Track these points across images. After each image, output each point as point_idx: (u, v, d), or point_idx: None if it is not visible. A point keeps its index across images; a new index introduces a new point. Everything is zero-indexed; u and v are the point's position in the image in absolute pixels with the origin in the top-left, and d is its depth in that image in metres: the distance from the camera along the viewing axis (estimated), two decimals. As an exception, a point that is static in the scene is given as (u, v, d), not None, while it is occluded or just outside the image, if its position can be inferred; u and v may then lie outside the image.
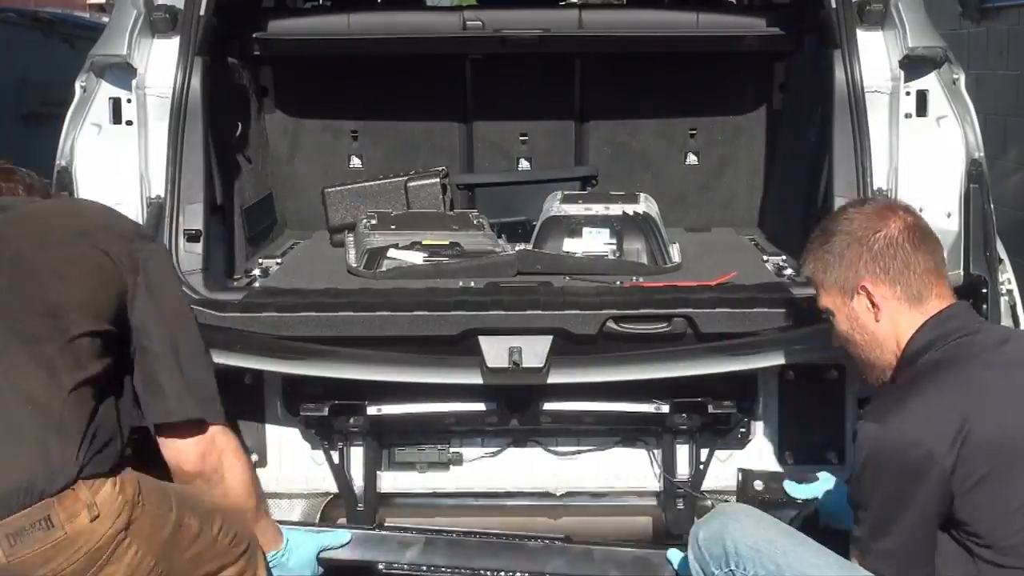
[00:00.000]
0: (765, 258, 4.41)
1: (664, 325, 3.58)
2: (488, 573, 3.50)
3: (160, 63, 3.95)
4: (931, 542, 2.80)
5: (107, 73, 3.97)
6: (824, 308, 3.11)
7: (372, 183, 4.93)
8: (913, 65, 3.92)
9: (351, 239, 4.50)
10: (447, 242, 4.26)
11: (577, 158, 5.20)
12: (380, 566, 3.52)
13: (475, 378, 3.60)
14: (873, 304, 3.00)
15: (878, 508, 2.80)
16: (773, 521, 3.08)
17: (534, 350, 3.55)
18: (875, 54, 3.94)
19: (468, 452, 3.93)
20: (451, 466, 3.92)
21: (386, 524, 3.79)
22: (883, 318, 2.99)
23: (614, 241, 4.27)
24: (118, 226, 3.09)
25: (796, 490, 3.62)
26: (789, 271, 4.19)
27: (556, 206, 4.42)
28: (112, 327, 2.89)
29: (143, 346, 2.96)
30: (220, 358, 3.63)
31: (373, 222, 4.42)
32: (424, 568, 3.50)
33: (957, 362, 2.87)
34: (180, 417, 2.99)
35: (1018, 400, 2.80)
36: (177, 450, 3.03)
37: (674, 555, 3.42)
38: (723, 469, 3.90)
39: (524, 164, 5.22)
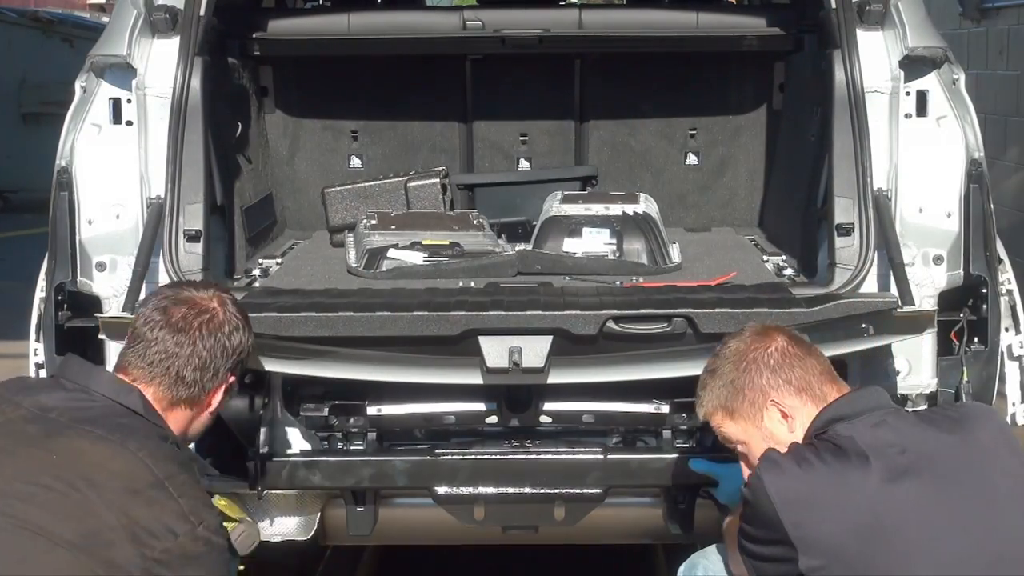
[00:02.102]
0: (765, 258, 4.41)
1: (664, 325, 3.58)
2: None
3: (160, 63, 3.95)
4: None
5: (107, 73, 3.97)
6: (737, 441, 3.09)
7: (372, 183, 4.93)
8: (913, 65, 3.92)
9: (351, 239, 4.50)
10: (447, 242, 4.26)
11: (577, 158, 5.20)
12: None
13: (475, 378, 3.60)
14: (784, 416, 3.00)
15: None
16: None
17: (534, 350, 3.55)
18: (875, 54, 3.94)
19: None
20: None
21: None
22: (796, 427, 2.98)
23: (614, 241, 4.27)
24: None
25: (697, 465, 3.66)
26: (789, 271, 4.19)
27: (556, 206, 4.42)
28: None
29: None
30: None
31: (373, 222, 4.42)
32: None
33: (841, 451, 2.85)
34: None
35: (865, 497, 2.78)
36: None
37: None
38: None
39: (524, 164, 5.22)
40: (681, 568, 3.39)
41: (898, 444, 2.83)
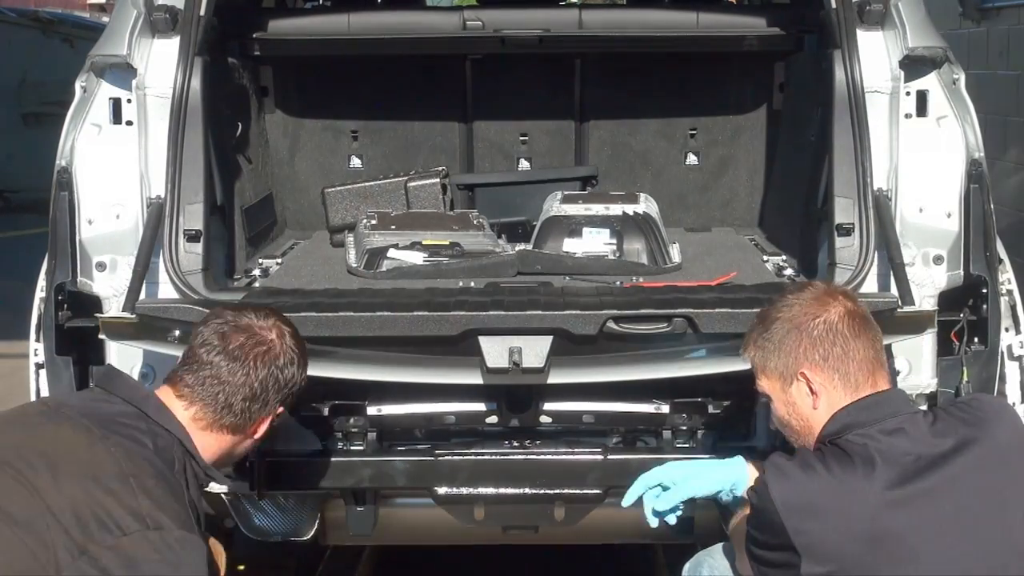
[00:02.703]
0: (765, 258, 4.41)
1: (664, 325, 3.57)
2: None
3: (160, 63, 3.95)
4: None
5: (107, 73, 3.97)
6: (763, 393, 3.09)
7: (372, 183, 4.93)
8: (913, 65, 3.92)
9: (351, 239, 4.50)
10: (447, 242, 4.26)
11: (577, 158, 5.20)
12: None
13: (475, 378, 3.60)
14: (812, 391, 2.97)
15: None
16: None
17: (534, 350, 3.55)
18: (875, 54, 3.94)
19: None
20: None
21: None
22: (820, 405, 2.96)
23: (614, 241, 4.27)
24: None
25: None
26: (789, 271, 4.19)
27: (556, 206, 4.42)
28: None
29: None
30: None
31: (373, 222, 4.42)
32: None
33: (848, 459, 2.84)
34: None
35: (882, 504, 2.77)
36: None
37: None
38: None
39: (524, 164, 5.22)
40: (686, 567, 3.38)
41: (913, 452, 2.81)
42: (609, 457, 3.78)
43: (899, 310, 3.56)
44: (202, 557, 2.78)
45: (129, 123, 3.94)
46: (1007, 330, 3.97)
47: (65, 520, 2.65)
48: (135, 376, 3.73)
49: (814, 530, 2.75)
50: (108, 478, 2.71)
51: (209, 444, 3.00)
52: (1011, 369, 3.98)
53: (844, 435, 2.88)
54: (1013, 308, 3.98)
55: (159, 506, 2.71)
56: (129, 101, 3.94)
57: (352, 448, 3.87)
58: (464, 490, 3.77)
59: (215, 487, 3.58)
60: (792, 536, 2.75)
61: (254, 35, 4.75)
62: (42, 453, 2.74)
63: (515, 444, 3.87)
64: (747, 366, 3.56)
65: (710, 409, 3.83)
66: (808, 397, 2.97)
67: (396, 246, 4.24)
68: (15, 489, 2.69)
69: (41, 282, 4.00)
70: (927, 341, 3.83)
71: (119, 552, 2.64)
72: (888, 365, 3.21)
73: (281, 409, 3.10)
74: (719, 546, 3.36)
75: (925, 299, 3.80)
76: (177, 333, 3.50)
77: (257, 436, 3.08)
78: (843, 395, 2.94)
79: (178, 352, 3.65)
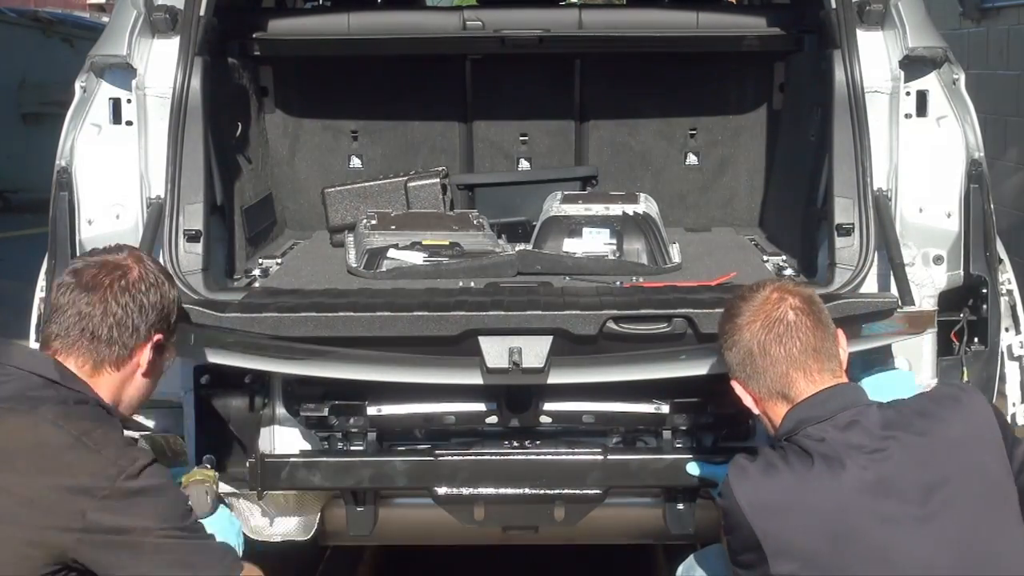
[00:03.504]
0: (765, 258, 4.41)
1: (664, 325, 3.58)
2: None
3: (160, 63, 3.95)
4: None
5: (107, 73, 3.97)
6: None
7: (372, 183, 4.93)
8: (913, 65, 3.92)
9: (351, 239, 4.50)
10: (447, 242, 4.26)
11: (577, 158, 5.20)
12: None
13: (475, 378, 3.60)
14: (744, 402, 3.09)
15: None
16: None
17: (534, 350, 3.55)
18: (875, 54, 3.94)
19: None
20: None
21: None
22: (764, 409, 3.06)
23: (614, 241, 4.27)
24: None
25: (695, 468, 3.66)
26: (789, 271, 4.19)
27: (556, 206, 4.42)
28: None
29: None
30: (220, 358, 3.63)
31: (373, 222, 4.42)
32: None
33: (805, 456, 2.88)
34: None
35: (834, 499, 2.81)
36: None
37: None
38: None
39: (524, 164, 5.22)
40: (680, 569, 3.39)
41: (868, 445, 2.84)
42: (609, 457, 3.77)
43: (899, 310, 3.56)
44: (168, 472, 2.94)
45: (129, 123, 3.94)
46: (1007, 330, 3.97)
47: (44, 507, 2.69)
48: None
49: (781, 529, 2.79)
50: (63, 451, 2.75)
51: (102, 388, 2.97)
52: (1011, 369, 3.98)
53: (799, 432, 2.91)
54: (1013, 308, 3.98)
55: (115, 448, 2.79)
56: (129, 101, 3.94)
57: (352, 448, 3.87)
58: (464, 490, 3.77)
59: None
60: (759, 536, 2.78)
61: (254, 35, 4.75)
62: None
63: (515, 444, 3.87)
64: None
65: (710, 409, 3.83)
66: (752, 403, 3.07)
67: (396, 246, 4.24)
68: None
69: (41, 282, 4.00)
70: (927, 341, 3.83)
71: (115, 501, 2.72)
72: (887, 365, 3.21)
73: (159, 336, 3.04)
74: (713, 547, 3.39)
75: (925, 299, 3.80)
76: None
77: (143, 369, 3.02)
78: (773, 404, 3.01)
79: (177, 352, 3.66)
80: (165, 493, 2.84)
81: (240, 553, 3.10)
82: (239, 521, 3.45)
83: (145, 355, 3.01)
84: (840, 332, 3.11)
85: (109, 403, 2.97)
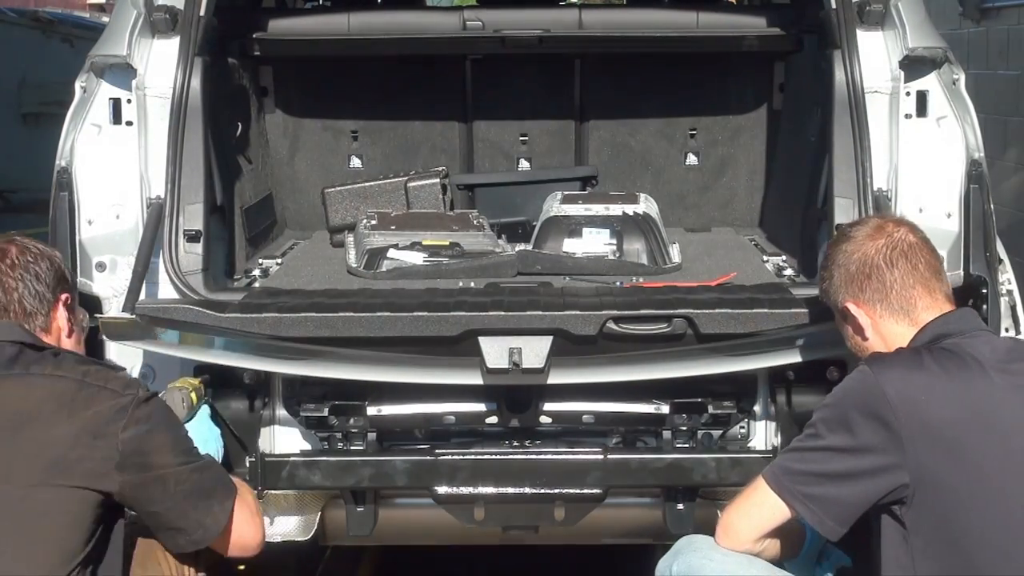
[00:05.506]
0: (765, 258, 4.41)
1: (664, 326, 3.58)
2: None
3: (160, 63, 3.95)
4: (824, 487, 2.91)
5: (107, 73, 3.97)
6: (837, 324, 3.27)
7: (372, 183, 4.93)
8: (913, 65, 3.92)
9: (351, 239, 4.50)
10: (447, 242, 4.26)
11: (577, 158, 5.20)
12: None
13: (475, 379, 3.61)
14: (859, 322, 3.12)
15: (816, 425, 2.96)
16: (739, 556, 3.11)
17: (534, 351, 3.55)
18: (875, 54, 3.94)
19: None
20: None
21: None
22: (871, 335, 3.12)
23: (614, 241, 4.27)
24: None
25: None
26: (789, 271, 4.19)
27: (556, 206, 4.42)
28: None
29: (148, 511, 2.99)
30: (220, 358, 3.64)
31: (373, 222, 4.42)
32: None
33: (956, 357, 2.95)
34: (211, 540, 3.05)
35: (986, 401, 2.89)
36: (229, 548, 3.11)
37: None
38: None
39: (524, 164, 5.22)
40: (659, 564, 3.29)
41: (1007, 360, 2.94)
42: (609, 457, 3.78)
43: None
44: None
45: (129, 123, 3.94)
46: (1007, 330, 3.96)
47: (77, 455, 2.85)
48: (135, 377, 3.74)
49: (926, 416, 2.83)
50: (76, 394, 2.91)
51: None
52: (1011, 369, 3.98)
53: (939, 343, 2.97)
54: (1013, 308, 3.97)
55: (114, 376, 2.98)
56: (129, 101, 3.94)
57: (352, 448, 3.87)
58: (464, 490, 3.78)
59: None
60: (900, 423, 2.82)
61: (254, 35, 4.75)
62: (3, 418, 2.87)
63: (515, 444, 3.87)
64: (746, 367, 3.60)
65: (710, 409, 3.83)
66: (860, 328, 3.12)
67: (396, 246, 4.24)
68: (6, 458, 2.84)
69: (41, 282, 4.00)
70: (927, 341, 3.82)
71: (139, 425, 2.91)
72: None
73: (66, 296, 3.17)
74: (685, 541, 3.26)
75: (925, 299, 3.79)
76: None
77: (65, 330, 3.16)
78: (891, 323, 3.07)
79: (177, 352, 3.67)
80: (160, 402, 3.07)
81: (220, 458, 3.50)
82: (218, 428, 3.63)
83: (61, 315, 3.15)
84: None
85: None
